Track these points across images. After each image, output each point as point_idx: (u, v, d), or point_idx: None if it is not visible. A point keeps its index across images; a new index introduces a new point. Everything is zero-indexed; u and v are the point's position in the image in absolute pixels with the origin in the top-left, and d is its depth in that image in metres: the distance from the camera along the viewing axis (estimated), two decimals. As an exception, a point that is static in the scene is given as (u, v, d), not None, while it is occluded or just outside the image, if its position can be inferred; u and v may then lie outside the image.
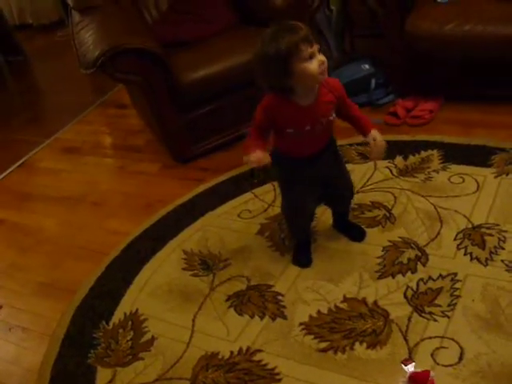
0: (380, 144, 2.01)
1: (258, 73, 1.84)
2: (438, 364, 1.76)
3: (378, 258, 2.19)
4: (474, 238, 2.18)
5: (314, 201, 2.21)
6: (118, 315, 2.24)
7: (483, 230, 2.20)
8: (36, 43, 5.91)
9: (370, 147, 2.03)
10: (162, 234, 2.61)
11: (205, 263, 2.38)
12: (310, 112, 1.89)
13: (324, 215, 2.41)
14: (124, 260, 2.51)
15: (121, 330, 2.17)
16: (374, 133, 2.01)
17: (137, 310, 2.24)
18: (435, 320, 1.90)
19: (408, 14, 2.95)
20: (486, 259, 2.07)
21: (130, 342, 2.11)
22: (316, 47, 1.77)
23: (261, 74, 1.84)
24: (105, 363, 2.06)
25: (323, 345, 1.91)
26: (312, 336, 1.95)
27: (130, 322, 2.19)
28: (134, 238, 2.62)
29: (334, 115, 1.96)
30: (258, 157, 1.88)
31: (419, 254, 2.16)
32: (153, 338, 2.10)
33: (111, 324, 2.20)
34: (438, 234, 2.24)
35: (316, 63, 1.76)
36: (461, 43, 2.78)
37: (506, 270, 2.01)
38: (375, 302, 2.01)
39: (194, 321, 2.13)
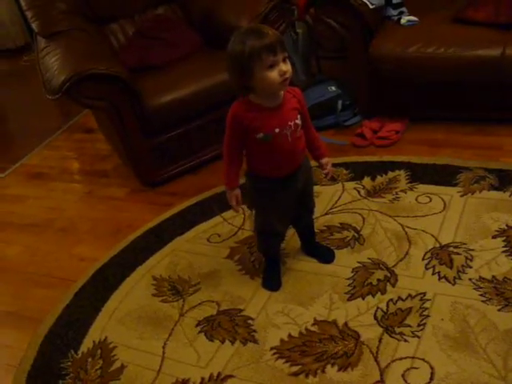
0: (331, 170, 2.20)
1: (227, 68, 1.87)
2: (409, 385, 1.76)
3: (348, 279, 2.20)
4: (442, 257, 2.20)
5: (287, 223, 2.23)
6: (86, 344, 2.19)
7: (451, 249, 2.23)
8: (1, 67, 5.85)
9: (324, 171, 2.17)
10: (130, 259, 2.58)
11: (174, 288, 2.36)
12: (276, 114, 1.90)
13: (293, 238, 2.41)
14: (92, 287, 2.47)
15: (90, 359, 2.13)
16: (328, 160, 2.15)
17: (106, 337, 2.20)
18: (406, 340, 1.90)
19: (372, 36, 3.00)
20: (454, 278, 2.09)
21: (99, 371, 2.07)
22: (281, 56, 1.78)
23: (228, 70, 1.87)
24: (73, 394, 2.01)
25: (295, 368, 1.90)
26: (283, 360, 1.94)
27: (99, 351, 2.15)
28: (103, 265, 2.58)
29: (300, 120, 1.97)
30: (237, 199, 2.05)
31: (388, 274, 2.17)
32: (122, 367, 2.07)
33: (80, 353, 2.16)
34: (407, 254, 2.25)
35: (276, 73, 1.77)
36: (423, 65, 2.85)
37: (474, 289, 2.03)
38: (346, 324, 2.01)
39: (164, 347, 2.10)
